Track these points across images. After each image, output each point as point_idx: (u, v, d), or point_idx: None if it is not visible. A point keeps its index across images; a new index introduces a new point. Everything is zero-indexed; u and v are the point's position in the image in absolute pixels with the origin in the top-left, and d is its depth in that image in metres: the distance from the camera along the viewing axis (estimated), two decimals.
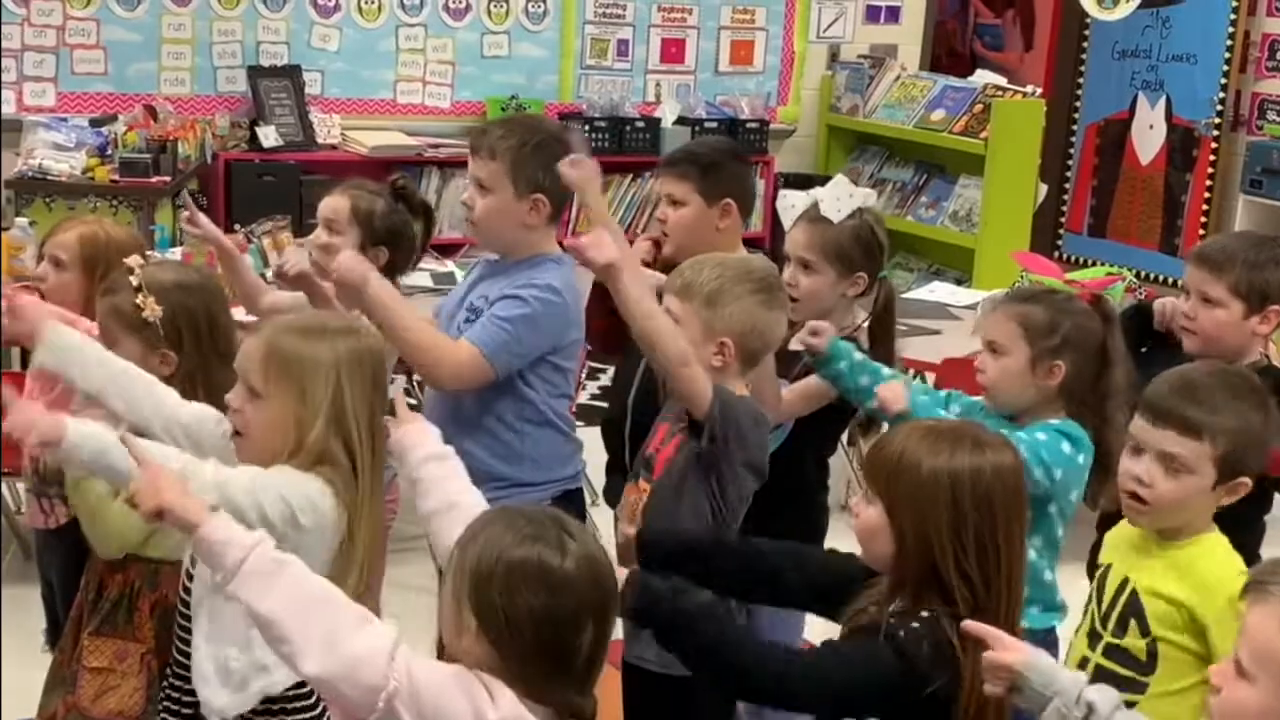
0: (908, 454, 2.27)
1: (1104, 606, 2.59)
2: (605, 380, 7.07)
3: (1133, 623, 2.53)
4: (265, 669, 2.55)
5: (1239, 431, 2.47)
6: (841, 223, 3.31)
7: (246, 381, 2.51)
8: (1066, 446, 2.85)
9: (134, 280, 2.90)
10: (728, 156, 3.69)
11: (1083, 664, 2.59)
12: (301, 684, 2.58)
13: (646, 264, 3.55)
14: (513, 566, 1.98)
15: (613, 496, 3.62)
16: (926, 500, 2.24)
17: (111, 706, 2.93)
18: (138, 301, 2.88)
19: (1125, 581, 2.56)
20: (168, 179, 6.57)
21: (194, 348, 2.86)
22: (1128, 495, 2.56)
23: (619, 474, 3.51)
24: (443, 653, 2.07)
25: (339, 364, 2.48)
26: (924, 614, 2.25)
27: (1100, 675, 2.55)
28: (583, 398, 6.42)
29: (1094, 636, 2.59)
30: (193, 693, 2.61)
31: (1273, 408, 2.53)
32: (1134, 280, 5.65)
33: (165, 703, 2.68)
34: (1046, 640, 2.87)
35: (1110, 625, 2.56)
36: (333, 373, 2.47)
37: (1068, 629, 2.84)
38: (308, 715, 2.63)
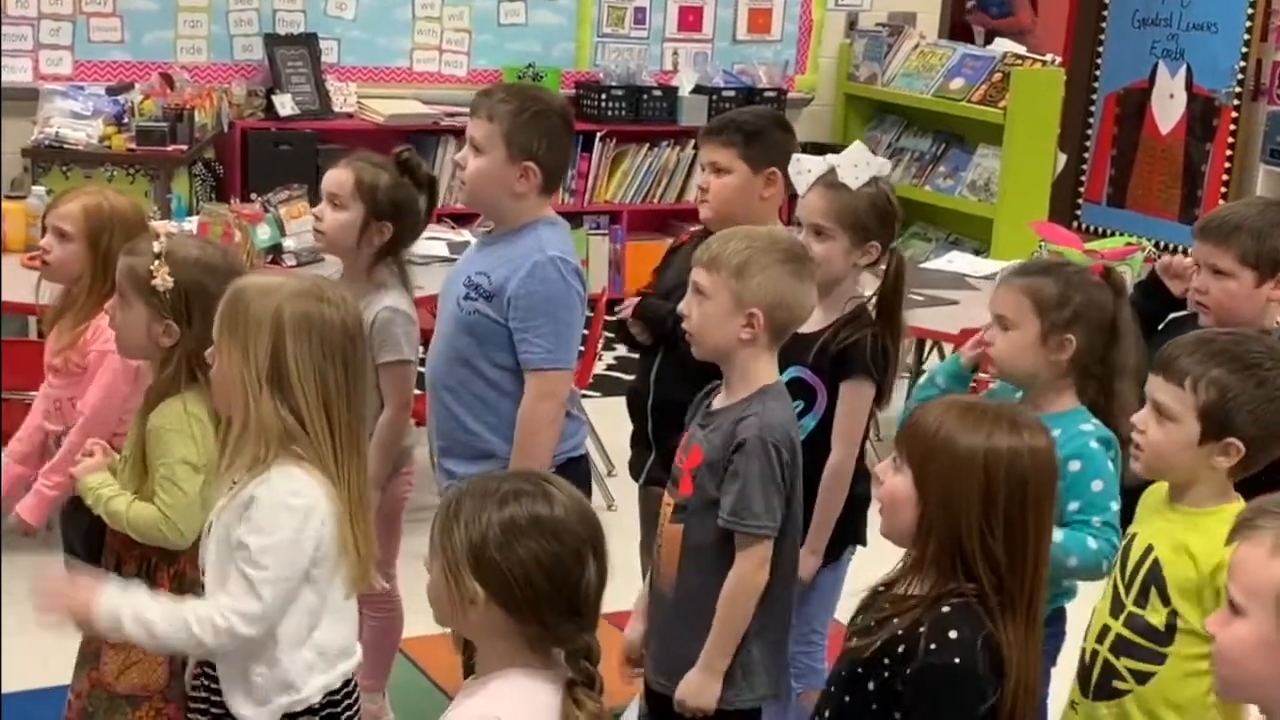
0: (945, 430, 2.26)
1: (1127, 575, 2.58)
2: (621, 351, 7.08)
3: (1153, 591, 2.52)
4: (290, 687, 2.52)
5: (1224, 386, 2.45)
6: (858, 190, 3.28)
7: (214, 329, 2.54)
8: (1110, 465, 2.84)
9: (155, 246, 2.90)
10: (773, 124, 3.65)
11: (1103, 633, 2.58)
12: (333, 694, 2.58)
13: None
14: (506, 525, 2.01)
15: (637, 470, 3.62)
16: (959, 477, 2.23)
17: (135, 681, 2.93)
18: (151, 268, 2.88)
19: (1149, 549, 2.55)
20: (184, 148, 6.57)
21: (201, 328, 2.85)
22: (1132, 442, 2.58)
23: (644, 447, 3.51)
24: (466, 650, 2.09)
25: (280, 324, 2.46)
26: (952, 603, 2.23)
27: (1120, 645, 2.56)
28: (599, 368, 6.43)
29: (1117, 605, 2.58)
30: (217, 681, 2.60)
31: (1278, 380, 2.49)
32: (1153, 250, 5.62)
33: (196, 691, 2.67)
34: (1055, 619, 2.87)
35: (1132, 594, 2.55)
36: (272, 332, 2.46)
37: (1080, 606, 2.83)
38: (350, 690, 2.62)
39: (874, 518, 3.26)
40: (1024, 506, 2.24)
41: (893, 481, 2.31)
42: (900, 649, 2.24)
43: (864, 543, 3.39)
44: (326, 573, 2.51)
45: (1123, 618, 2.56)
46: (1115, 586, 2.59)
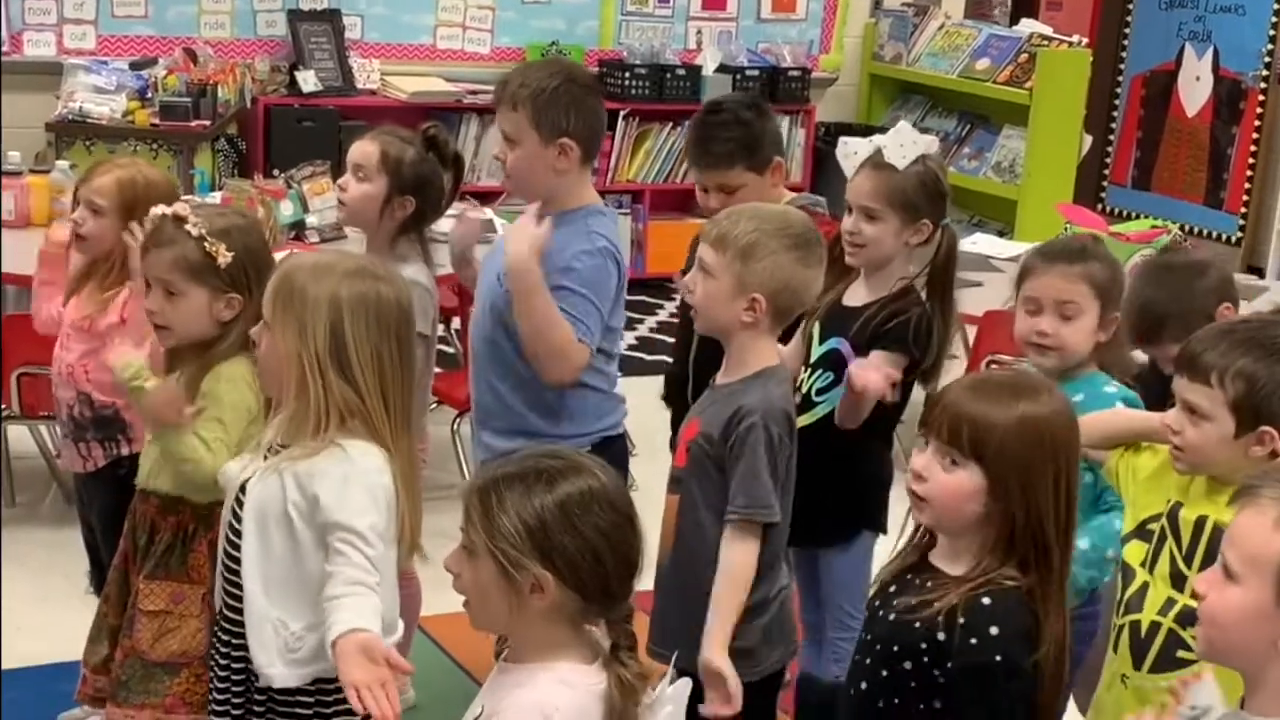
0: (998, 414, 2.23)
1: (1184, 547, 2.54)
2: (644, 331, 7.07)
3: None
4: (327, 652, 2.46)
5: (1251, 377, 2.42)
6: (906, 169, 3.26)
7: (264, 310, 2.55)
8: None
9: (193, 230, 2.89)
10: (757, 121, 3.68)
11: (1165, 608, 2.55)
12: None
13: None
14: (565, 505, 2.01)
15: None
16: (1031, 455, 2.22)
17: (174, 648, 2.93)
18: (208, 249, 2.88)
19: (1204, 519, 2.51)
20: (207, 123, 6.57)
21: (259, 288, 2.84)
22: (1170, 445, 2.55)
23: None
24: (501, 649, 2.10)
25: (339, 303, 2.47)
26: (992, 593, 2.22)
27: (1188, 617, 2.50)
28: (621, 347, 6.41)
29: (1178, 578, 2.53)
30: (243, 646, 2.59)
31: None
32: (1178, 234, 5.58)
33: (215, 655, 2.68)
34: (1093, 599, 2.86)
35: (1195, 564, 2.51)
36: (332, 311, 2.47)
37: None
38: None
39: (893, 504, 3.27)
40: (1070, 471, 2.25)
41: (955, 478, 2.25)
42: (940, 637, 2.23)
43: (884, 530, 3.38)
44: (389, 545, 2.53)
45: (1188, 589, 2.50)
46: (1173, 559, 2.55)
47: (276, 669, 2.51)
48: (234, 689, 2.61)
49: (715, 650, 2.74)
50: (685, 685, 2.09)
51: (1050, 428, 2.25)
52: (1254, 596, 1.81)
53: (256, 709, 2.59)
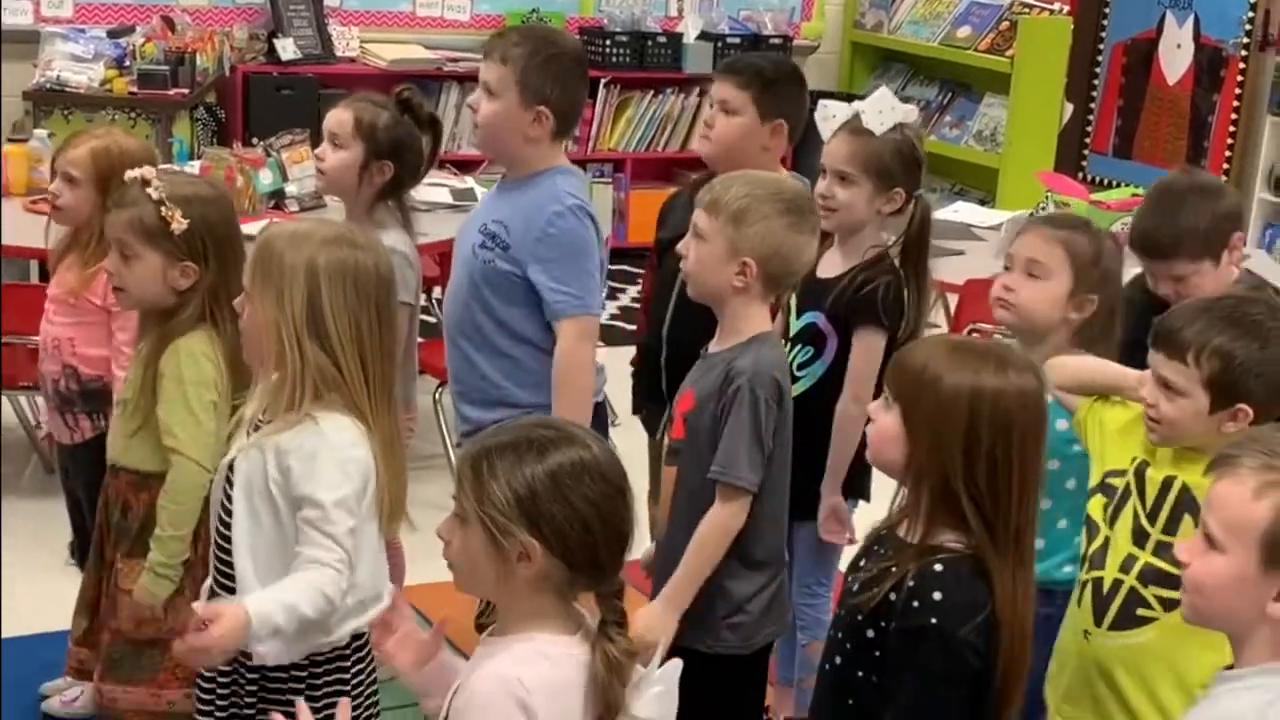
0: (931, 367, 2.25)
1: (1149, 504, 2.56)
2: (625, 300, 7.06)
3: (1187, 518, 2.50)
4: (323, 629, 2.51)
5: (1227, 355, 2.43)
6: (883, 136, 3.26)
7: (244, 279, 2.54)
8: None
9: (154, 193, 2.87)
10: (791, 78, 3.64)
11: (1127, 565, 2.57)
12: (359, 636, 2.58)
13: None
14: (556, 475, 2.00)
15: (651, 423, 3.62)
16: (944, 416, 2.22)
17: (152, 631, 2.94)
18: (164, 214, 2.86)
19: (1171, 479, 2.53)
20: (186, 91, 6.53)
21: (218, 261, 2.84)
22: (1147, 417, 2.56)
23: (658, 401, 3.50)
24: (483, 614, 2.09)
25: (316, 271, 2.46)
26: (944, 559, 2.22)
27: (1149, 575, 2.54)
28: (603, 318, 6.41)
29: (1141, 535, 2.56)
30: None
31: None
32: None
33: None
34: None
35: (1160, 522, 2.54)
36: (309, 279, 2.46)
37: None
38: (355, 662, 2.61)
39: (879, 472, 3.28)
40: (1009, 446, 2.21)
41: (883, 420, 2.30)
42: (893, 599, 2.23)
43: (867, 498, 3.39)
44: (366, 517, 2.52)
45: (1150, 546, 2.54)
46: (1136, 516, 2.57)
47: (266, 646, 2.47)
48: (221, 669, 2.59)
49: (663, 604, 2.77)
50: (676, 666, 2.09)
51: (999, 401, 2.22)
52: (1239, 564, 1.83)
53: (248, 688, 2.58)
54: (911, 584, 2.21)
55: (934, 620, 2.19)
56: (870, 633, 2.27)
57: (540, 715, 1.98)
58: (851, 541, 3.30)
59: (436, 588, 4.02)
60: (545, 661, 2.02)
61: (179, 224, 2.85)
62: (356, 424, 2.48)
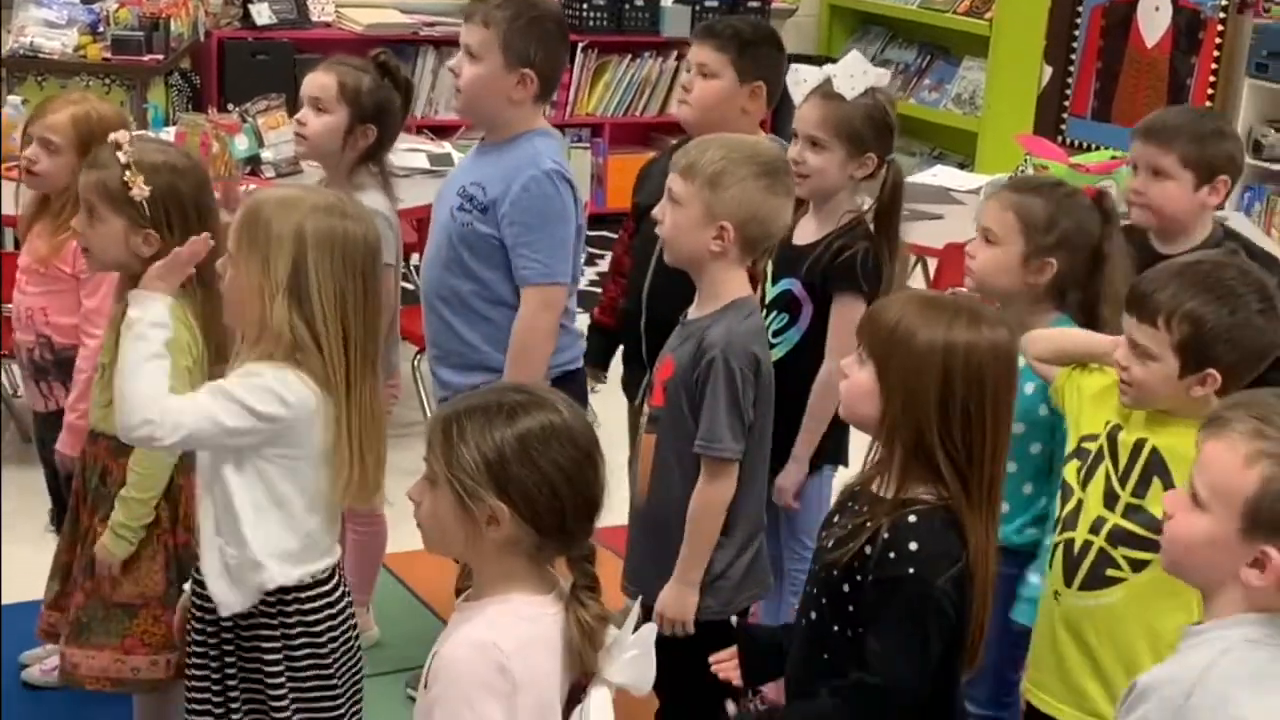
0: (904, 322, 2.27)
1: (1120, 467, 2.58)
2: (603, 266, 7.04)
3: (1156, 481, 2.53)
4: (259, 565, 2.54)
5: (1198, 320, 2.44)
6: (854, 100, 3.24)
7: (229, 242, 2.53)
8: None
9: (122, 157, 2.85)
10: (769, 39, 3.62)
11: (1097, 526, 2.59)
12: (319, 579, 2.59)
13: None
14: (525, 439, 2.01)
15: (631, 388, 3.61)
16: (918, 370, 2.24)
17: (131, 590, 2.93)
18: (125, 179, 2.84)
19: (1143, 441, 2.56)
20: (160, 57, 6.48)
21: (182, 232, 2.82)
22: (1120, 380, 2.58)
23: (637, 366, 3.49)
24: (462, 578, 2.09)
25: (303, 238, 2.45)
26: (918, 510, 2.24)
27: (1118, 536, 2.57)
28: (581, 284, 6.39)
29: (1111, 497, 2.59)
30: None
31: (1251, 303, 2.47)
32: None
33: (194, 598, 2.69)
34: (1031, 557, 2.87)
35: (1130, 485, 2.56)
36: (295, 246, 2.45)
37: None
38: (322, 605, 2.61)
39: (855, 436, 3.28)
40: (982, 400, 2.25)
41: (857, 376, 2.32)
42: (868, 552, 2.25)
43: (845, 463, 3.39)
44: (307, 468, 2.52)
45: (1120, 508, 2.57)
46: (1108, 478, 2.60)
47: (222, 593, 2.55)
48: (208, 627, 2.62)
49: (677, 587, 2.77)
50: (651, 630, 2.09)
51: (972, 354, 2.24)
52: (1220, 527, 1.85)
53: (226, 646, 2.61)
54: (886, 536, 2.23)
55: (911, 570, 2.22)
56: (846, 587, 2.29)
57: (519, 676, 2.00)
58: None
59: (417, 555, 4.03)
60: (522, 622, 2.03)
61: (140, 190, 2.82)
62: (317, 397, 2.47)
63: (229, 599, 2.56)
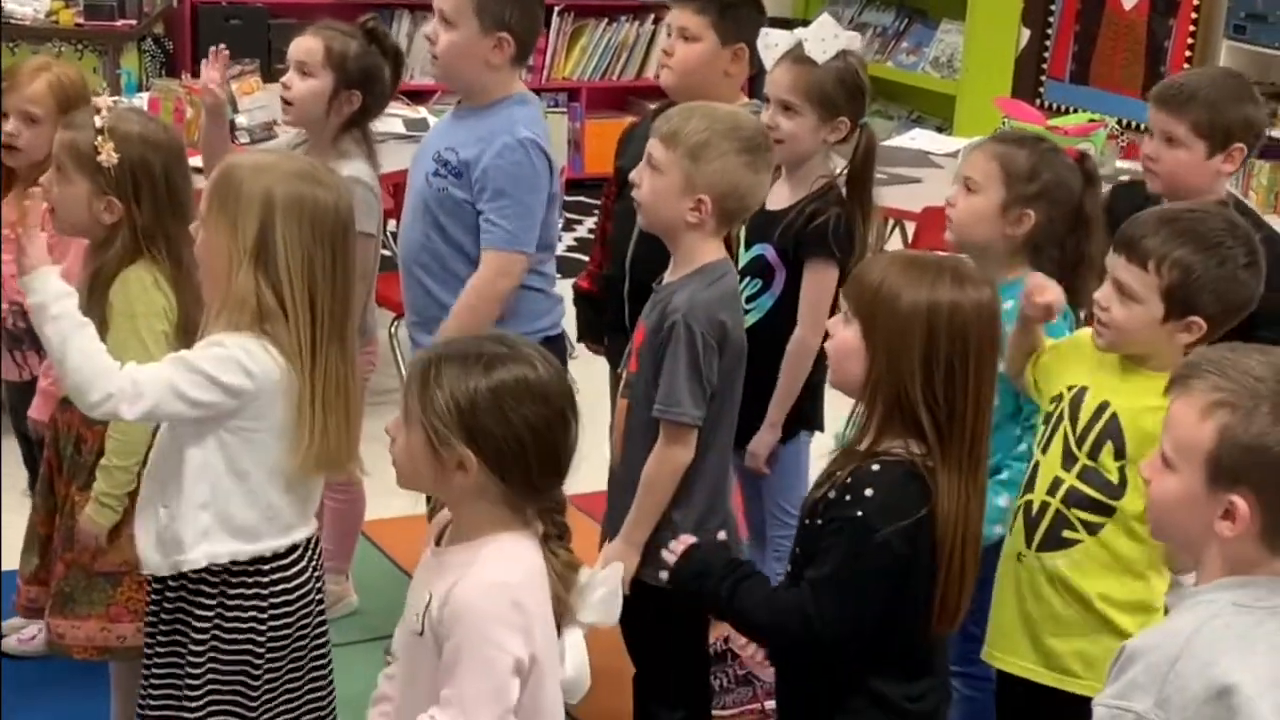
0: (888, 283, 2.30)
1: (1079, 429, 2.61)
2: (582, 232, 7.03)
3: (1109, 445, 2.57)
4: (181, 544, 2.53)
5: (1187, 267, 2.48)
6: (826, 64, 3.23)
7: (201, 205, 2.51)
8: None
9: (98, 121, 2.83)
10: (749, 1, 3.59)
11: (1055, 486, 2.62)
12: (278, 554, 2.57)
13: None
14: (498, 391, 2.04)
15: (614, 355, 3.60)
16: (902, 330, 2.27)
17: (116, 558, 2.92)
18: (96, 143, 2.81)
19: (1105, 405, 2.59)
20: (133, 22, 6.43)
21: (150, 205, 2.79)
22: (1094, 319, 2.61)
23: (619, 332, 3.48)
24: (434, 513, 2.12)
25: (272, 203, 2.43)
26: (883, 460, 2.28)
27: (1072, 497, 2.61)
28: (559, 249, 6.38)
29: (1069, 458, 2.62)
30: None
31: (1238, 256, 2.51)
32: (1115, 127, 5.59)
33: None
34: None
35: (1086, 447, 2.59)
36: (263, 210, 2.43)
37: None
38: (278, 589, 2.59)
39: (830, 402, 3.29)
40: (965, 358, 2.29)
41: (843, 335, 2.36)
42: (831, 496, 2.32)
43: (821, 428, 3.39)
44: (269, 439, 2.50)
45: (1076, 470, 2.61)
46: (1066, 440, 2.63)
47: (149, 554, 2.56)
48: (154, 586, 2.64)
49: (622, 543, 2.78)
50: (617, 569, 2.17)
51: (956, 313, 2.28)
52: (1187, 483, 1.87)
53: (163, 613, 2.60)
54: (848, 481, 2.29)
55: (860, 513, 2.27)
56: (809, 533, 2.36)
57: (530, 606, 2.06)
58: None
59: (396, 522, 4.03)
60: (517, 560, 2.09)
61: (109, 156, 2.80)
62: (268, 354, 2.45)
63: (153, 560, 2.57)
